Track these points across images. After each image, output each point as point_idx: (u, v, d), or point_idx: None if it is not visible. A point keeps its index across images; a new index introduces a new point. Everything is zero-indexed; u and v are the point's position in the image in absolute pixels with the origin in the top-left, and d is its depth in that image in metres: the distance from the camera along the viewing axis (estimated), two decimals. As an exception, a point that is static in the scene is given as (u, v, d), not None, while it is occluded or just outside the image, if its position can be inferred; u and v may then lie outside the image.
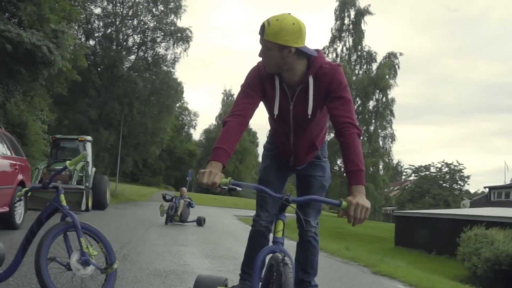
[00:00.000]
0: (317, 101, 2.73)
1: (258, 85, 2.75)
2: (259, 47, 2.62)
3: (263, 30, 2.51)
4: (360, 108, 41.38)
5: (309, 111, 2.73)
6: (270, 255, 2.26)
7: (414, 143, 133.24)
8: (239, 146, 72.55)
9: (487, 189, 43.39)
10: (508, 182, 48.61)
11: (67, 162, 3.33)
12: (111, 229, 9.32)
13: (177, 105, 46.69)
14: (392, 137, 43.53)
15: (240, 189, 2.31)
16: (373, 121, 42.21)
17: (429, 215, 25.11)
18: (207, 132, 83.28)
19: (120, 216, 14.21)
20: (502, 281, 15.89)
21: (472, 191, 57.26)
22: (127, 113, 32.02)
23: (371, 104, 42.20)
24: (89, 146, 16.26)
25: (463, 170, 46.45)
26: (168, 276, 4.83)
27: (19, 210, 7.73)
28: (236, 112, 2.67)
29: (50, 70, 14.47)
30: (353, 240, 22.21)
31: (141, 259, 5.76)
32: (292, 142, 2.97)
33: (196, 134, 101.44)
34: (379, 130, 42.44)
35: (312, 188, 3.17)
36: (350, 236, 23.63)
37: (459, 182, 46.89)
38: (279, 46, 2.52)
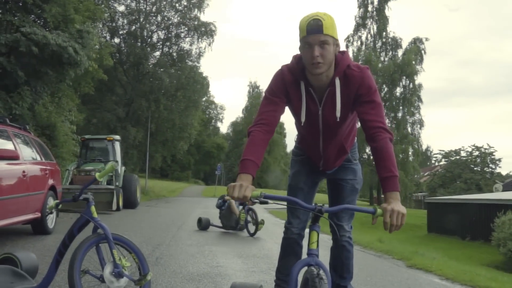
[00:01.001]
0: (346, 104, 2.65)
1: (282, 91, 2.67)
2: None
3: (319, 25, 2.40)
4: (387, 95, 40.87)
5: (338, 114, 2.65)
6: (305, 268, 2.21)
7: (443, 127, 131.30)
8: (266, 137, 72.38)
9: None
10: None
11: (97, 174, 3.31)
12: (143, 230, 9.40)
13: (203, 99, 46.83)
14: (421, 123, 42.98)
15: (271, 201, 2.25)
16: (401, 107, 41.69)
17: (461, 200, 24.63)
18: (234, 125, 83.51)
19: (151, 214, 14.32)
20: (539, 265, 15.58)
21: (504, 173, 56.14)
22: (154, 109, 32.28)
23: (398, 90, 41.67)
24: (117, 145, 16.42)
25: (494, 153, 45.48)
26: (201, 280, 4.80)
27: (51, 215, 7.82)
28: (260, 121, 2.60)
29: (76, 70, 14.62)
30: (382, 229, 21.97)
31: (174, 262, 5.75)
32: (322, 147, 2.89)
33: (224, 127, 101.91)
34: (407, 117, 41.91)
35: (344, 192, 3.11)
36: (382, 225, 23.38)
37: (491, 165, 45.90)
38: (334, 41, 2.47)
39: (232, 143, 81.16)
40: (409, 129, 42.57)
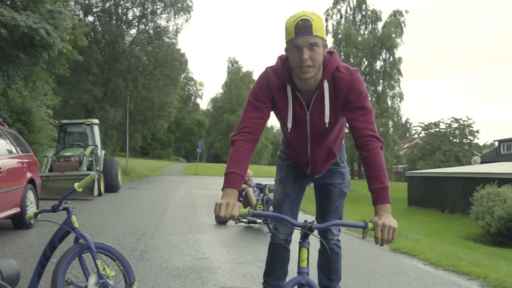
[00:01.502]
0: (335, 109, 2.52)
1: (267, 95, 2.53)
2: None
3: (308, 26, 2.26)
4: (367, 69, 41.00)
5: (326, 120, 2.53)
6: (296, 287, 2.17)
7: (423, 100, 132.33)
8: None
9: (496, 142, 43.14)
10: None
11: (76, 185, 3.19)
12: (126, 218, 9.30)
13: (182, 76, 46.32)
14: (401, 96, 43.31)
15: (260, 221, 2.18)
16: (381, 81, 41.89)
17: (441, 174, 25.03)
18: (214, 101, 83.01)
19: (133, 199, 14.19)
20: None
21: (481, 143, 56.96)
22: (132, 89, 31.82)
23: (378, 64, 41.83)
24: (96, 129, 16.16)
25: (472, 125, 46.06)
26: (187, 276, 4.76)
27: (31, 209, 7.67)
28: (244, 129, 2.46)
29: (50, 52, 14.25)
30: (367, 204, 22.16)
31: (159, 256, 5.69)
32: (310, 153, 2.78)
33: (203, 104, 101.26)
34: (387, 90, 42.19)
35: (332, 197, 3.04)
36: (363, 199, 23.64)
37: (469, 137, 46.53)
38: (323, 42, 2.34)
39: (213, 119, 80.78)
40: (389, 102, 42.86)
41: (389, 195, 2.31)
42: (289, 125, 2.58)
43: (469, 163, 40.55)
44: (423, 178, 26.37)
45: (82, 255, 3.20)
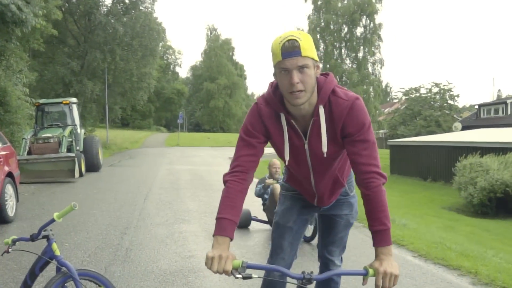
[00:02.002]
0: (332, 137, 2.30)
1: (260, 129, 2.32)
2: None
3: (296, 46, 2.05)
4: (347, 36, 40.75)
5: (324, 150, 2.31)
6: None
7: (404, 65, 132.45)
8: (227, 80, 71.63)
9: (476, 106, 43.54)
10: (495, 98, 48.75)
11: (55, 215, 3.00)
12: (109, 206, 9.11)
13: (160, 44, 45.46)
14: (381, 62, 43.17)
15: (256, 276, 2.02)
16: (361, 47, 41.65)
17: (423, 143, 25.16)
18: (193, 69, 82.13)
19: (115, 179, 13.97)
20: (497, 208, 16.23)
21: (460, 106, 57.45)
22: (110, 61, 31.15)
23: (359, 30, 41.57)
24: (75, 108, 15.80)
25: (452, 89, 46.37)
26: (175, 281, 4.64)
27: (11, 202, 7.46)
28: (235, 168, 2.28)
29: (22, 28, 13.80)
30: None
31: (145, 256, 5.56)
32: (314, 184, 2.56)
33: (183, 72, 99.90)
34: (368, 57, 42.00)
35: (337, 228, 2.82)
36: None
37: (449, 101, 46.89)
38: (314, 63, 2.12)
39: (193, 87, 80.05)
40: (370, 69, 42.75)
41: (390, 236, 2.18)
42: (286, 158, 2.37)
43: (450, 128, 40.95)
44: (405, 147, 26.52)
45: (66, 284, 3.05)
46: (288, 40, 2.07)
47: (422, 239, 6.56)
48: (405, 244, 6.28)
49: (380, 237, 2.16)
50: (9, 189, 7.47)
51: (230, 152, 29.68)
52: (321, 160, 2.41)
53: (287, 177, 2.77)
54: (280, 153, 2.44)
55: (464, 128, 35.07)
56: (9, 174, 7.49)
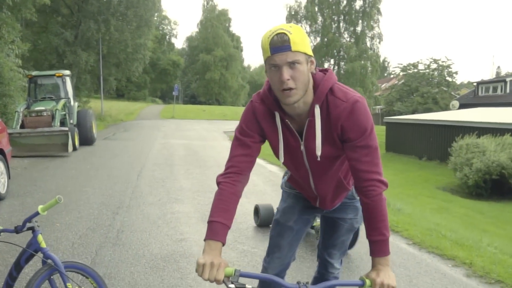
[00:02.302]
0: (328, 140, 2.15)
1: (255, 129, 2.19)
2: None
3: (285, 40, 1.89)
4: (346, 9, 40.19)
5: (318, 152, 2.16)
6: None
7: (402, 40, 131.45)
8: (224, 52, 70.91)
9: (474, 84, 43.32)
10: (494, 76, 48.53)
11: (40, 208, 2.89)
12: (101, 182, 9.01)
13: (156, 14, 44.78)
14: (380, 37, 42.72)
15: (250, 287, 1.92)
16: (360, 21, 41.16)
17: (419, 121, 25.07)
18: (189, 39, 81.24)
19: (109, 154, 13.83)
20: (491, 190, 16.25)
21: (458, 83, 57.26)
22: (104, 31, 30.66)
23: (358, 4, 41.03)
24: (68, 81, 15.56)
25: (451, 66, 46.10)
26: (166, 267, 4.57)
27: (2, 179, 7.34)
28: (230, 168, 2.15)
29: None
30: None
31: (136, 239, 5.48)
32: (314, 187, 2.41)
33: (179, 43, 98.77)
34: (367, 31, 41.54)
35: (339, 231, 2.68)
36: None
37: (447, 78, 46.67)
38: (307, 58, 1.96)
39: (188, 58, 79.28)
40: (368, 43, 42.34)
41: (389, 246, 2.09)
42: (281, 159, 2.24)
43: (447, 105, 40.82)
44: (401, 125, 26.44)
45: (52, 277, 2.96)
46: (277, 34, 1.91)
47: (417, 226, 6.51)
48: (399, 230, 6.23)
49: (379, 247, 2.07)
50: (0, 166, 7.34)
51: (225, 126, 29.74)
52: (319, 162, 2.26)
53: (288, 176, 2.63)
54: (275, 153, 2.30)
55: (462, 106, 34.91)
56: (0, 151, 7.36)
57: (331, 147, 2.19)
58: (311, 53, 2.00)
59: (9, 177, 7.69)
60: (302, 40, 1.94)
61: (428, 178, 18.97)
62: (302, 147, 2.23)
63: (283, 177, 2.81)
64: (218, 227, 2.03)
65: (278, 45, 1.90)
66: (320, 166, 2.30)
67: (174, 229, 5.99)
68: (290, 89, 1.95)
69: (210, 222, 2.05)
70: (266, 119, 2.19)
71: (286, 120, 2.16)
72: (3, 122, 8.67)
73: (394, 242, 5.78)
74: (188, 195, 8.13)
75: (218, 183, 2.16)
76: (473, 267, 4.77)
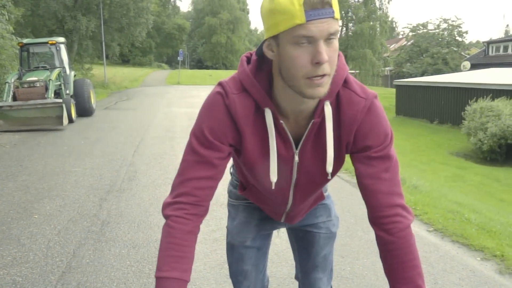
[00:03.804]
0: (336, 150, 1.50)
1: (228, 135, 1.46)
2: None
3: (328, 3, 1.20)
4: (354, -32, 38.65)
5: (329, 169, 1.50)
6: None
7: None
8: (230, 15, 69.47)
9: (485, 44, 42.04)
10: (503, 35, 47.10)
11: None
12: (93, 159, 8.39)
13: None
14: (389, -4, 41.30)
15: None
16: (369, -20, 39.76)
17: (431, 83, 24.19)
18: (195, 2, 79.64)
19: (106, 127, 13.14)
20: (506, 155, 15.61)
21: (467, 42, 55.89)
22: (105, -6, 29.71)
23: (367, -39, 39.41)
24: (63, 49, 14.81)
25: (461, 25, 44.75)
26: (151, 273, 3.99)
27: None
28: (183, 197, 1.44)
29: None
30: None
31: (121, 233, 4.87)
32: (290, 204, 1.74)
33: (184, 6, 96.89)
34: (376, -10, 40.17)
35: (317, 243, 1.96)
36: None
37: (457, 38, 45.45)
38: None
39: (194, 22, 77.95)
40: (377, 3, 41.07)
41: None
42: (274, 178, 1.52)
43: (457, 66, 39.75)
44: (412, 87, 25.59)
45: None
46: None
47: (437, 207, 5.86)
48: (418, 213, 5.57)
49: None
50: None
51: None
52: (313, 180, 1.61)
53: (242, 188, 1.87)
54: (251, 169, 1.59)
55: (472, 66, 33.84)
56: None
57: (336, 160, 1.53)
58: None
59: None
60: (336, 3, 1.25)
61: (441, 143, 18.30)
62: (296, 159, 1.55)
63: (230, 184, 2.04)
64: (172, 286, 1.37)
65: (317, 7, 1.20)
66: (311, 184, 1.64)
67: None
68: (323, 75, 1.27)
69: (159, 279, 1.38)
70: (249, 118, 1.46)
71: (281, 121, 1.46)
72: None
73: (414, 229, 5.14)
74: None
75: (166, 217, 1.46)
76: (505, 261, 4.13)
